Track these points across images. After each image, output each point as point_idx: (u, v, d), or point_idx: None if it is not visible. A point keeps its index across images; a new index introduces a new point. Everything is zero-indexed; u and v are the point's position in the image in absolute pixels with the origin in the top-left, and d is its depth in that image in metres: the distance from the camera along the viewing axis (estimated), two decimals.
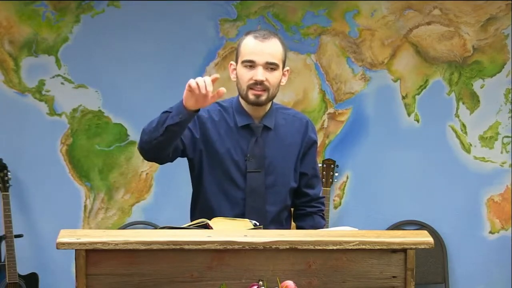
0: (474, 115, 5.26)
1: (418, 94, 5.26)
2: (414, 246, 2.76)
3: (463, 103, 5.26)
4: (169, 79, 5.18)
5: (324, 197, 3.55)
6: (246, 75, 3.27)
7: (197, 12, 5.18)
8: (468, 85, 5.25)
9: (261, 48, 3.25)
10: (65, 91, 5.18)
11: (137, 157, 5.21)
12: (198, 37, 5.20)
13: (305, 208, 3.48)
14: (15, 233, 4.99)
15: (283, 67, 3.33)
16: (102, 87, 5.19)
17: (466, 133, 5.26)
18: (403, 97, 5.26)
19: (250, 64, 3.26)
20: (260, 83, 3.25)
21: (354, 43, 5.23)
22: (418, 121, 5.26)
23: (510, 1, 5.20)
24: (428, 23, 5.23)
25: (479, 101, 5.26)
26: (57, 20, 5.15)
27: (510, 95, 5.25)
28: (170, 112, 3.20)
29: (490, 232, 5.28)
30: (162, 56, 5.18)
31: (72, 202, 5.19)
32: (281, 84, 3.34)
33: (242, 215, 3.28)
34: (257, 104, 3.30)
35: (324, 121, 5.25)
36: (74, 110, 5.19)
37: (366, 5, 5.21)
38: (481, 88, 5.26)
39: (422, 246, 2.76)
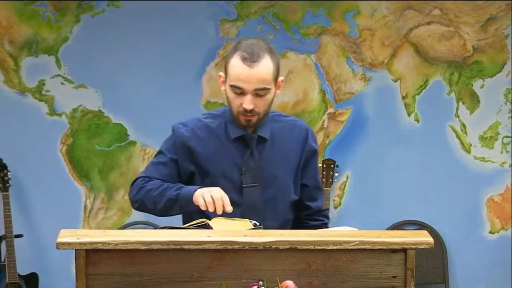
0: (474, 115, 5.26)
1: (418, 94, 5.26)
2: (414, 246, 2.76)
3: (463, 103, 5.26)
4: (169, 79, 5.18)
5: (327, 209, 3.38)
6: (235, 101, 3.11)
7: (197, 12, 5.18)
8: (468, 85, 5.25)
9: (250, 75, 3.04)
10: (65, 91, 5.18)
11: (137, 157, 5.22)
12: (198, 37, 5.20)
13: (308, 221, 3.30)
14: (15, 233, 4.99)
15: (276, 82, 3.13)
16: (102, 87, 5.19)
17: (466, 133, 5.26)
18: (403, 97, 5.26)
19: (239, 91, 3.08)
20: (250, 111, 3.09)
21: (354, 43, 5.23)
22: (418, 121, 5.26)
23: (510, 1, 5.20)
24: (428, 23, 5.23)
25: (479, 101, 5.26)
26: (57, 20, 5.15)
27: (510, 95, 5.25)
28: (176, 200, 3.12)
29: (490, 232, 5.28)
30: (162, 56, 5.18)
31: (72, 202, 5.19)
32: (276, 95, 3.17)
33: None
34: (247, 127, 3.16)
35: (324, 121, 5.25)
36: (74, 110, 5.19)
37: (366, 5, 5.21)
38: (481, 88, 5.26)
39: (422, 246, 2.76)
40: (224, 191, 3.10)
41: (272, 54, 3.11)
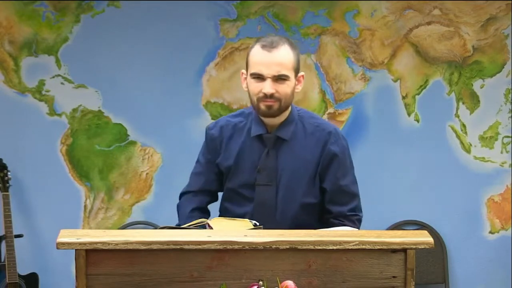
0: (474, 115, 5.26)
1: (418, 94, 5.26)
2: (414, 246, 2.77)
3: (463, 103, 5.26)
4: (169, 79, 5.18)
5: (355, 214, 3.26)
6: (255, 88, 3.14)
7: (197, 12, 5.18)
8: (468, 85, 5.25)
9: (269, 59, 3.10)
10: (65, 91, 5.18)
11: (137, 157, 5.22)
12: (198, 37, 5.20)
13: (328, 220, 3.27)
14: (15, 233, 4.98)
15: (296, 75, 3.17)
16: (102, 87, 5.19)
17: (466, 133, 5.26)
18: (403, 97, 5.26)
19: (259, 78, 3.13)
20: (270, 96, 3.11)
21: (354, 43, 5.23)
22: (418, 121, 5.26)
23: (510, 1, 5.20)
24: (428, 23, 5.23)
25: (479, 101, 5.26)
26: (57, 20, 5.15)
27: (510, 95, 5.25)
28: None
29: (490, 232, 5.28)
30: (162, 56, 5.18)
31: (72, 202, 5.19)
32: (296, 91, 3.19)
33: None
34: (269, 115, 3.17)
35: None
36: (74, 110, 5.19)
37: (366, 5, 5.21)
38: (481, 88, 5.26)
39: (422, 246, 2.76)
40: (238, 188, 3.25)
41: (293, 47, 3.17)
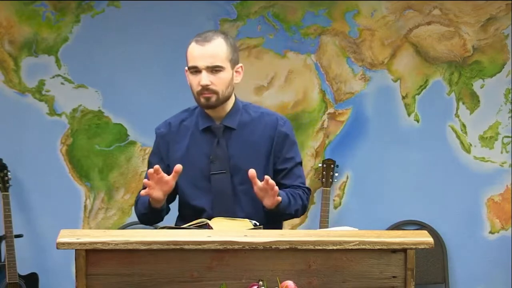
0: (474, 115, 5.26)
1: (418, 94, 5.26)
2: (414, 246, 2.77)
3: (463, 103, 5.26)
4: (169, 79, 5.18)
5: (306, 186, 3.44)
6: (193, 82, 3.29)
7: (197, 12, 5.18)
8: (468, 85, 5.25)
9: (202, 52, 3.26)
10: (65, 91, 5.18)
11: (137, 157, 5.22)
12: None
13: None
14: (15, 233, 4.99)
15: (233, 66, 3.32)
16: (102, 87, 5.19)
17: (466, 133, 5.26)
18: (403, 97, 5.26)
19: (195, 70, 3.27)
20: (206, 87, 3.25)
21: (354, 43, 5.23)
22: (418, 121, 5.26)
23: (510, 1, 5.21)
24: (428, 23, 5.23)
25: (479, 101, 5.26)
26: (57, 20, 5.16)
27: (510, 95, 5.25)
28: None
29: (490, 232, 5.28)
30: (162, 56, 5.18)
31: (72, 202, 5.19)
32: (235, 82, 3.34)
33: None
34: (208, 107, 3.31)
35: (324, 121, 5.25)
36: (74, 110, 5.20)
37: (366, 5, 5.21)
38: (481, 88, 5.26)
39: (422, 246, 2.77)
40: (194, 181, 3.33)
41: (227, 39, 3.33)
